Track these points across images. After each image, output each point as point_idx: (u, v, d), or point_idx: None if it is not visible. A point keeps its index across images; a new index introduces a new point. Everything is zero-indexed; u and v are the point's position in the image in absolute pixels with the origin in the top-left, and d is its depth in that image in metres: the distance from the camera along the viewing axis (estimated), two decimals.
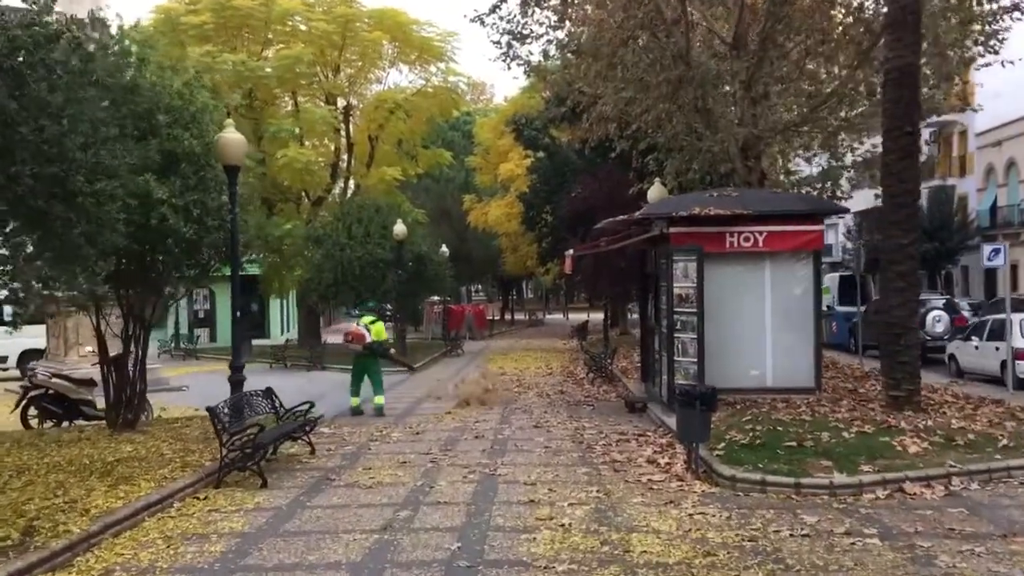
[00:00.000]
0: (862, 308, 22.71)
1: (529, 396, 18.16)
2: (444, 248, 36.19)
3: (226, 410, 10.27)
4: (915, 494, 8.74)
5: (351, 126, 33.00)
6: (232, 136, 12.23)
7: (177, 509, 8.64)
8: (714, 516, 7.97)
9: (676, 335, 13.70)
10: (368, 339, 15.04)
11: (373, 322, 15.28)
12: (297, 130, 30.01)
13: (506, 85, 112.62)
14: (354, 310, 30.99)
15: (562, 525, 7.70)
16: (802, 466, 9.39)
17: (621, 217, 15.15)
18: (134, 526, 7.98)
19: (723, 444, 10.44)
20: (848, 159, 21.84)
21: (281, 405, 11.93)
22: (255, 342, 32.82)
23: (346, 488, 9.51)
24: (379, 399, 15.44)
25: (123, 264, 11.29)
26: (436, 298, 40.94)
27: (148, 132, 11.02)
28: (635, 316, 47.22)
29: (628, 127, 21.78)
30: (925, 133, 26.00)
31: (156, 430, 12.63)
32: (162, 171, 10.93)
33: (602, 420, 14.39)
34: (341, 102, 32.73)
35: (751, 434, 10.96)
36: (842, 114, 20.53)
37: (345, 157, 33.45)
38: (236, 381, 12.42)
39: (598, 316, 48.32)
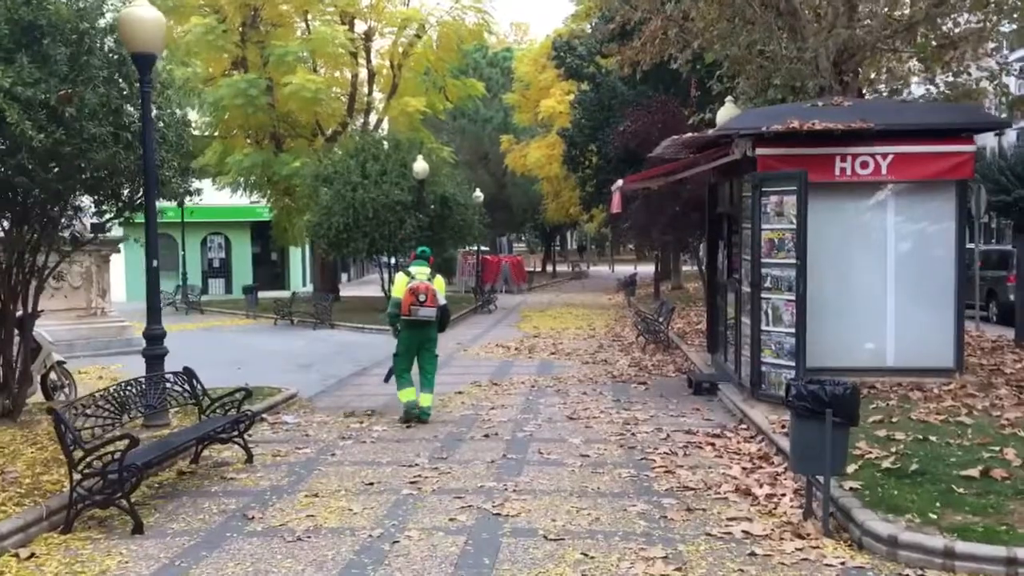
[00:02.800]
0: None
1: (566, 367, 14.57)
2: (478, 192, 32.50)
3: (94, 408, 6.80)
4: None
5: (371, 53, 29.23)
6: (142, 12, 8.67)
7: None
8: None
9: (764, 296, 9.97)
10: (441, 301, 9.97)
11: (433, 275, 10.06)
12: (307, 53, 26.34)
13: (550, 24, 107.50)
14: (394, 259, 27.32)
15: None
16: (1004, 518, 5.68)
17: (688, 136, 11.32)
18: None
19: (856, 467, 6.77)
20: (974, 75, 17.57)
21: (204, 393, 8.43)
22: (263, 295, 29.56)
23: (261, 539, 6.00)
24: (430, 398, 10.26)
25: None
26: (472, 248, 37.45)
27: None
28: (691, 268, 43.32)
29: (688, 45, 17.95)
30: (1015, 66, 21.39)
31: (48, 420, 9.23)
32: (18, 49, 7.41)
33: (659, 407, 10.77)
34: (360, 26, 28.97)
35: (895, 448, 7.28)
36: (947, 26, 16.40)
37: (365, 89, 29.75)
38: (152, 356, 8.97)
39: (646, 269, 44.58)
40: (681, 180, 22.21)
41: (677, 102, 25.73)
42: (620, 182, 11.48)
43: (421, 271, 10.02)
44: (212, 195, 30.87)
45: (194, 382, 8.24)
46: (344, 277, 49.09)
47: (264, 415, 10.33)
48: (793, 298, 9.60)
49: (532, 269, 49.83)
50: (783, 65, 16.03)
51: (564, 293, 37.51)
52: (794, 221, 9.59)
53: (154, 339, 9.02)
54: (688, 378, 12.48)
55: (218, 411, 8.22)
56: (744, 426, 9.43)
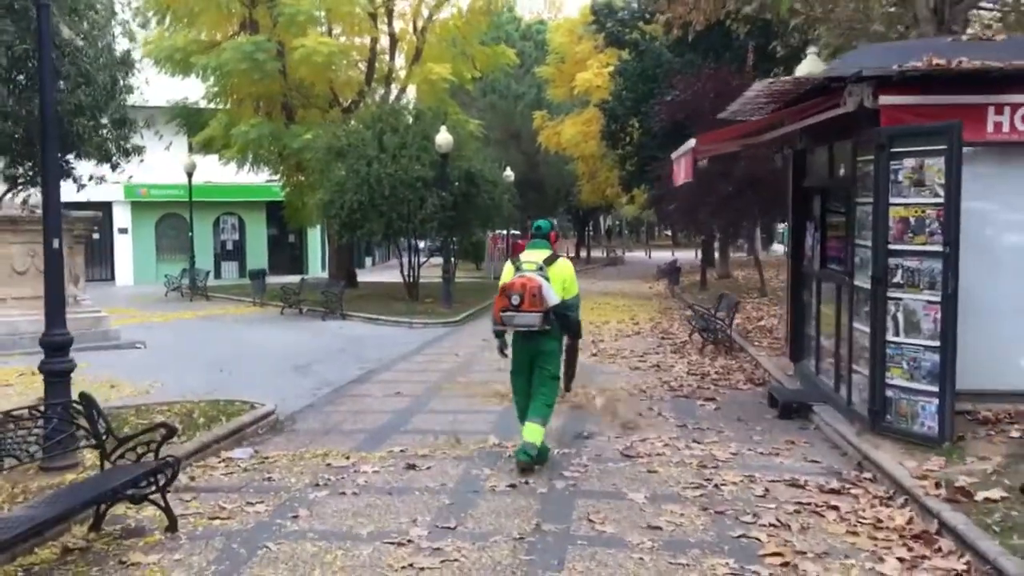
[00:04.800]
0: None
1: (613, 374, 12.05)
2: (508, 171, 29.93)
3: None
4: None
5: (393, 16, 26.66)
6: None
7: None
8: None
9: (892, 295, 7.35)
10: (552, 300, 6.95)
11: (552, 260, 7.15)
12: (321, 14, 23.84)
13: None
14: (423, 242, 24.82)
15: None
16: None
17: (782, 80, 8.63)
18: None
19: None
20: None
21: (108, 431, 5.92)
22: (281, 279, 27.21)
23: None
24: (537, 430, 7.07)
25: None
26: (502, 232, 34.95)
27: None
28: (740, 255, 40.43)
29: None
30: None
31: None
32: None
33: (741, 438, 8.19)
34: None
35: None
36: None
37: (386, 56, 27.22)
38: (52, 373, 6.53)
39: (684, 255, 41.90)
40: (735, 156, 19.62)
41: (730, 70, 22.97)
42: (692, 142, 8.86)
43: (532, 258, 7.13)
44: (225, 173, 28.63)
45: (93, 414, 5.75)
46: (368, 261, 46.79)
47: (223, 445, 7.91)
48: (937, 298, 6.98)
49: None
50: (875, 12, 13.42)
51: (600, 281, 34.84)
52: (941, 193, 6.96)
53: (55, 349, 6.57)
54: (769, 394, 9.88)
55: (129, 455, 5.75)
56: (868, 475, 6.82)
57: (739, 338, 14.70)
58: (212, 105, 25.69)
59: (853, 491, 6.44)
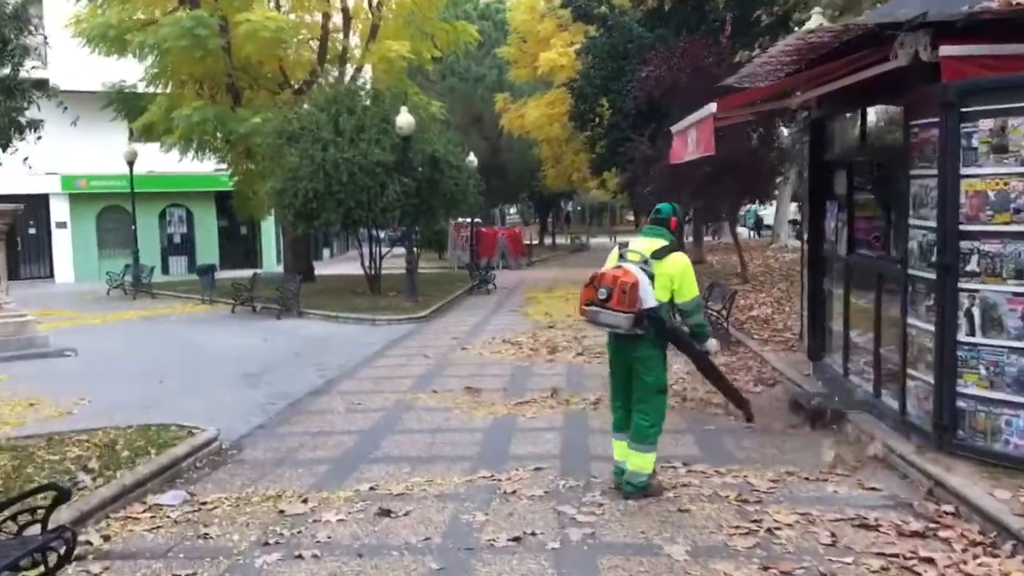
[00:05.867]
0: None
1: (606, 376, 10.69)
2: (472, 156, 28.47)
3: None
4: None
5: None
6: None
7: None
8: None
9: (965, 287, 6.07)
10: (648, 303, 5.76)
11: (664, 253, 5.88)
12: None
13: None
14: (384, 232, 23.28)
15: None
16: None
17: (827, 28, 7.21)
18: None
19: None
20: None
21: None
22: (233, 274, 25.47)
23: None
24: (642, 459, 5.95)
25: None
26: (465, 219, 33.43)
27: None
28: (711, 239, 39.34)
29: None
30: None
31: None
32: None
33: (775, 459, 6.90)
34: None
35: None
36: None
37: (340, 35, 25.55)
38: None
39: None
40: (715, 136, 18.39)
41: (704, 44, 21.65)
42: (713, 106, 7.49)
43: (641, 247, 5.94)
44: (170, 162, 26.74)
45: None
46: (326, 252, 44.99)
47: (150, 486, 6.42)
48: None
49: (530, 242, 45.86)
50: None
51: (568, 268, 33.52)
52: None
53: None
54: (794, 401, 8.61)
55: (9, 524, 4.28)
56: (949, 508, 5.54)
57: (735, 331, 13.45)
58: (152, 88, 23.80)
59: (941, 533, 5.16)
